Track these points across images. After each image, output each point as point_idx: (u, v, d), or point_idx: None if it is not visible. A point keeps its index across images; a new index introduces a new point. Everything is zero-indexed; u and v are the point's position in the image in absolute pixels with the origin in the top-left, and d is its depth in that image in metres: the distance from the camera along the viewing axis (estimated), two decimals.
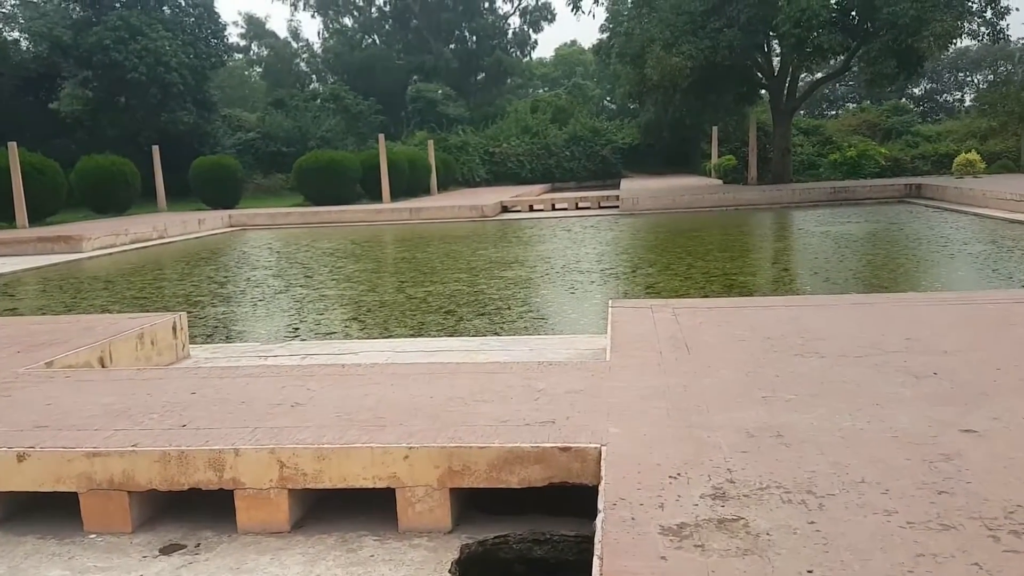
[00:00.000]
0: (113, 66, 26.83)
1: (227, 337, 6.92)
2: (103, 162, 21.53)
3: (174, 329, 5.66)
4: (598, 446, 2.81)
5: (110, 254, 14.91)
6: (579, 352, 5.58)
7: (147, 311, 8.24)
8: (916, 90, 61.75)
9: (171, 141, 28.52)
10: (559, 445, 2.83)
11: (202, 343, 6.58)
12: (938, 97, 63.23)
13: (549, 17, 49.82)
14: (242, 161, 32.38)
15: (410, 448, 2.85)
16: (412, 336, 6.72)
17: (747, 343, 4.27)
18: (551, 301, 8.17)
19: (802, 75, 24.45)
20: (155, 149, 23.62)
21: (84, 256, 14.49)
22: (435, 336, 6.65)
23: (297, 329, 7.22)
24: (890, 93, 60.03)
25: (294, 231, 19.15)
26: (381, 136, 23.44)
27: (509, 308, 7.81)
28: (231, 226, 20.56)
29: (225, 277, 11.02)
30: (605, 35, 30.51)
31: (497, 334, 6.68)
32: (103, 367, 4.94)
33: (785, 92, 23.04)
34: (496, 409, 3.26)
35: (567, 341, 5.96)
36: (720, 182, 26.40)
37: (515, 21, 50.77)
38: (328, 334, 6.91)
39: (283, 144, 32.85)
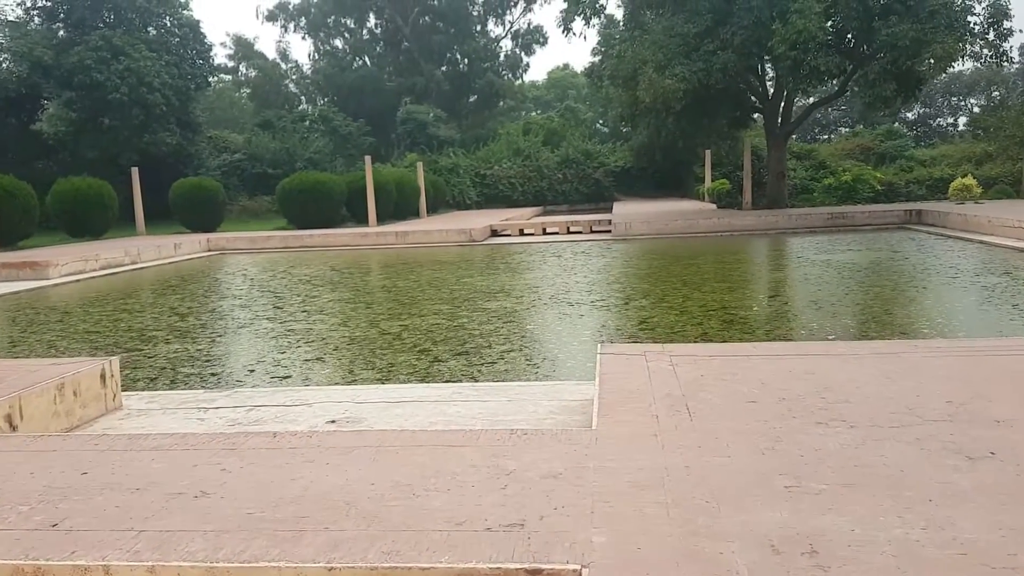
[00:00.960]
0: (94, 86, 26.24)
1: (172, 381, 6.23)
2: (80, 184, 20.86)
3: (103, 377, 4.97)
4: (578, 567, 2.14)
5: (77, 281, 14.21)
6: (564, 404, 4.92)
7: (92, 349, 7.55)
8: (909, 114, 61.76)
9: (153, 163, 27.92)
10: (527, 567, 2.16)
11: (144, 387, 5.90)
12: (931, 121, 63.23)
13: (541, 40, 49.56)
14: (227, 183, 31.79)
15: (330, 570, 2.18)
16: (379, 380, 6.05)
17: (759, 405, 3.61)
18: (536, 338, 7.51)
19: (796, 99, 23.98)
20: (134, 171, 22.97)
21: (50, 283, 13.78)
22: (403, 383, 5.98)
23: (253, 371, 6.53)
24: (883, 117, 60.01)
25: (274, 255, 18.48)
26: (367, 157, 22.84)
27: (490, 346, 7.15)
28: (209, 250, 19.88)
29: (189, 308, 10.33)
30: (597, 58, 30.15)
31: (474, 378, 6.02)
32: (11, 428, 4.26)
33: (780, 116, 22.58)
34: (451, 503, 2.59)
35: (551, 390, 5.30)
36: (714, 206, 25.87)
37: (507, 44, 50.56)
38: (284, 378, 6.22)
39: (269, 166, 32.24)
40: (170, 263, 17.35)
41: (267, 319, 9.14)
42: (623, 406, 3.71)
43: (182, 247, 18.77)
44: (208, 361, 7.01)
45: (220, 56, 51.92)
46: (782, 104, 22.49)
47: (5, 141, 27.55)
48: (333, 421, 4.90)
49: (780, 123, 22.50)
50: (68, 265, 14.78)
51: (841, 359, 4.44)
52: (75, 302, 11.44)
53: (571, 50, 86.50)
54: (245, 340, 7.93)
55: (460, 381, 5.94)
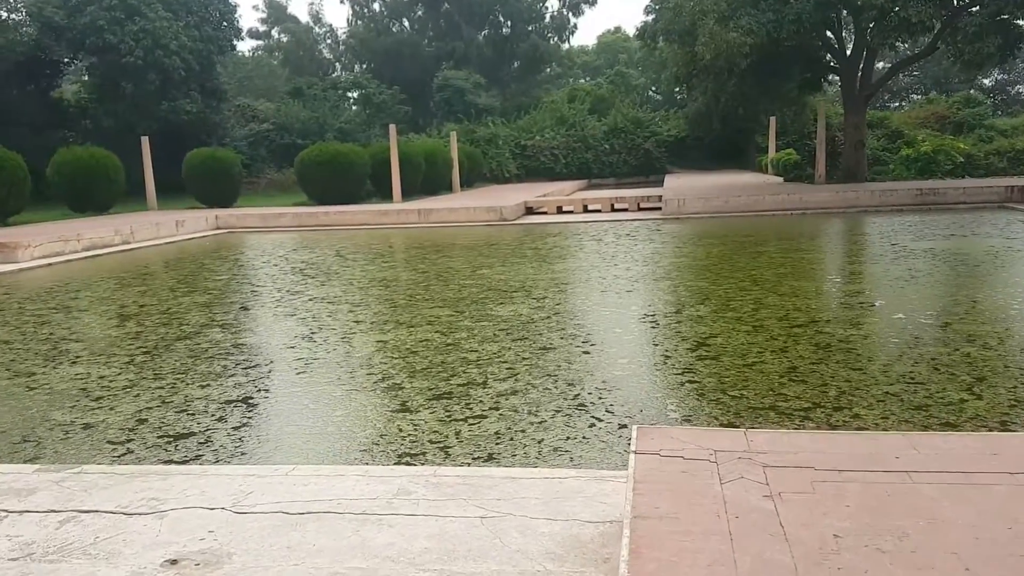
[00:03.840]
0: (108, 49, 24.57)
1: (24, 439, 4.29)
2: (82, 154, 19.25)
3: None
4: None
5: (49, 265, 12.51)
6: (571, 533, 2.83)
7: None
8: (986, 80, 57.37)
9: (173, 132, 26.29)
10: None
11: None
12: (1010, 88, 58.68)
13: (590, 0, 46.49)
14: (254, 154, 30.16)
15: None
16: (303, 451, 4.02)
17: None
18: (551, 370, 5.39)
19: (878, 58, 21.15)
20: (144, 140, 21.27)
21: (18, 267, 12.11)
22: (337, 454, 3.94)
23: (144, 421, 4.56)
24: (960, 84, 55.93)
25: (283, 236, 16.61)
26: (392, 127, 20.77)
27: (485, 383, 5.07)
28: (218, 228, 18.12)
29: (141, 307, 8.44)
30: (651, 17, 27.46)
31: (446, 450, 3.96)
32: None
33: (859, 76, 19.81)
34: None
35: (554, 494, 3.19)
36: (780, 180, 23.23)
37: (553, 4, 47.57)
38: (177, 437, 4.23)
39: (298, 136, 30.42)
40: (168, 243, 15.61)
41: (220, 327, 7.18)
42: None
43: (185, 225, 17.02)
44: (107, 393, 5.07)
45: (252, 20, 50.22)
46: (861, 63, 19.72)
47: (23, 108, 26.14)
48: (174, 561, 2.88)
49: (860, 85, 19.74)
50: (43, 247, 13.09)
51: None
52: (26, 295, 9.67)
53: (623, 11, 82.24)
54: (172, 360, 5.96)
55: (421, 458, 3.88)
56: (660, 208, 17.46)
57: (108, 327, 7.45)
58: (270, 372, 5.62)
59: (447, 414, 4.50)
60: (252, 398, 4.99)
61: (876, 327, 6.31)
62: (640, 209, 18.57)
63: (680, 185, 22.74)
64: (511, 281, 9.18)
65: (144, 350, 6.37)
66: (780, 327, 6.34)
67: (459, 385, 5.07)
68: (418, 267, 11.07)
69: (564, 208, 19.02)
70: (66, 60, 28.88)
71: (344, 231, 16.94)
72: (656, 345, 6.05)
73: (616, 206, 18.96)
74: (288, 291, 9.24)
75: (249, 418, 4.60)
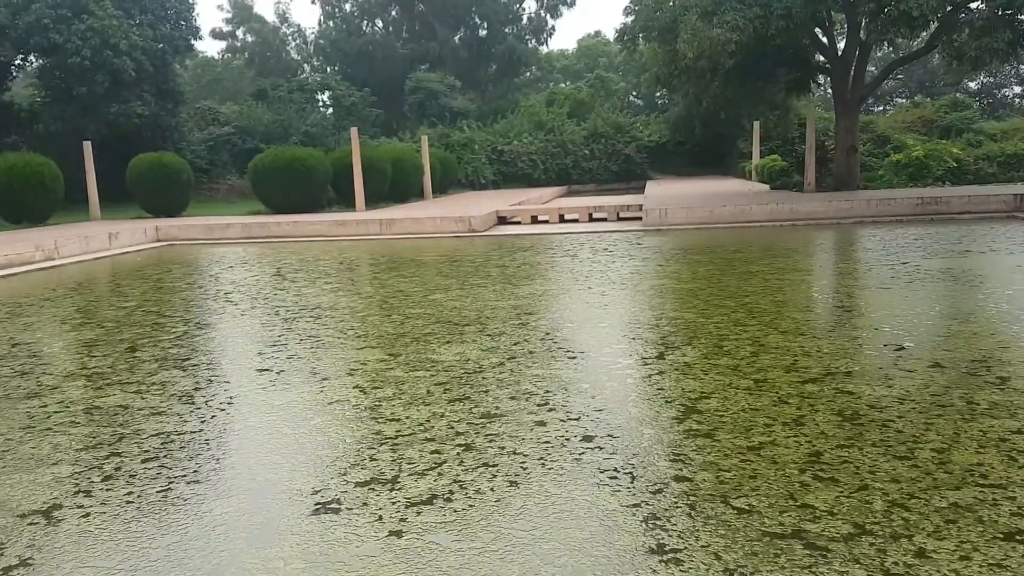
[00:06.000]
0: (53, 49, 22.94)
1: None
2: (16, 161, 17.68)
3: None
4: None
5: None
6: None
7: None
8: (972, 84, 56.72)
9: (124, 136, 24.67)
10: None
11: None
12: (996, 92, 58.08)
13: (569, 1, 45.07)
14: (214, 159, 28.60)
15: None
16: None
17: None
18: (488, 461, 3.98)
19: (873, 55, 19.95)
20: (86, 145, 19.67)
21: None
22: None
23: None
24: (945, 87, 55.12)
25: (227, 248, 15.12)
26: (354, 130, 19.31)
27: (394, 482, 3.66)
28: (158, 240, 16.59)
29: (13, 346, 6.96)
30: (630, 18, 26.19)
31: None
32: None
33: (852, 77, 18.58)
34: None
35: None
36: (766, 187, 21.98)
37: (531, 5, 46.20)
38: None
39: (261, 140, 28.85)
40: (96, 259, 14.07)
41: (86, 378, 5.72)
42: None
43: (119, 238, 15.48)
44: None
45: (216, 20, 48.52)
46: (854, 63, 18.50)
47: None
48: None
49: (852, 86, 18.51)
50: None
51: None
52: None
53: (604, 16, 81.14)
54: None
55: None
56: (641, 218, 16.13)
57: None
58: (107, 458, 4.16)
59: (324, 542, 3.08)
60: (61, 507, 3.54)
61: (912, 383, 4.94)
62: (620, 219, 17.25)
63: (662, 193, 21.45)
64: (465, 310, 7.77)
65: None
66: (789, 382, 4.97)
67: (357, 485, 3.64)
68: (364, 290, 9.64)
69: (539, 218, 17.66)
70: (16, 62, 27.19)
71: (296, 243, 15.47)
72: (632, 410, 4.64)
73: (594, 216, 17.62)
74: (196, 323, 7.78)
75: (38, 550, 3.15)
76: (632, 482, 3.61)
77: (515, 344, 6.29)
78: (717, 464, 3.76)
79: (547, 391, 5.02)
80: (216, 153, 28.51)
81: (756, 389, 4.87)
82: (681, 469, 3.71)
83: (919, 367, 5.28)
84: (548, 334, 6.64)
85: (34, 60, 25.37)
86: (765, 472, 3.65)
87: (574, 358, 5.85)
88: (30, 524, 3.37)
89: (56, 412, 4.93)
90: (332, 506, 3.42)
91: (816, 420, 4.29)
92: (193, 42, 27.44)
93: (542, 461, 3.86)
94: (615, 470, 3.73)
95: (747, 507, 3.26)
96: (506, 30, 43.28)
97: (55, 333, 7.55)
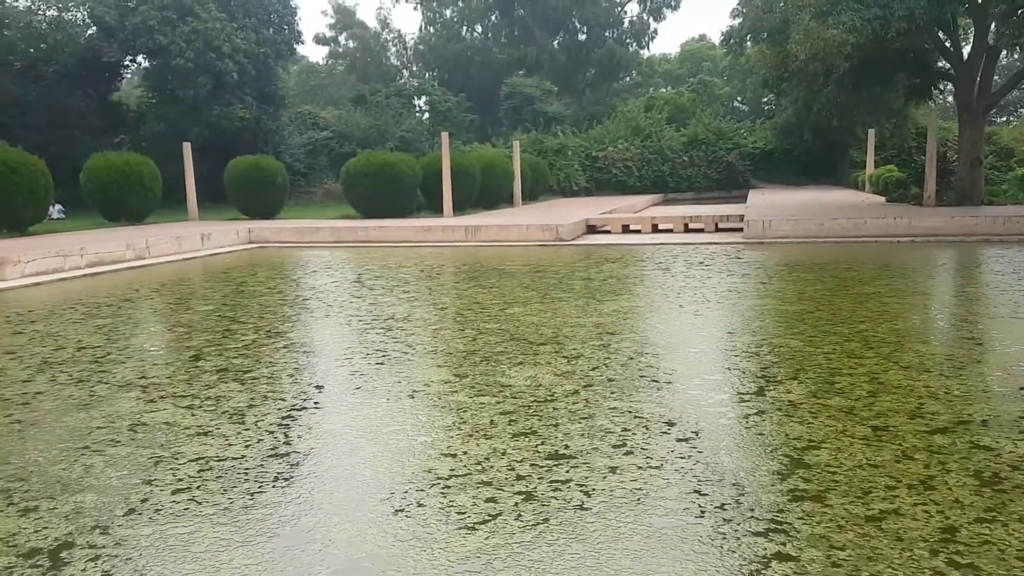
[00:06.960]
0: (159, 51, 23.68)
1: None
2: (116, 161, 18.19)
3: None
4: None
5: (38, 284, 11.18)
6: None
7: None
8: None
9: (225, 138, 25.26)
10: None
11: None
12: None
13: (673, 4, 43.90)
14: (313, 163, 29.05)
15: None
16: None
17: None
18: (548, 516, 3.41)
19: (1002, 60, 18.32)
20: (186, 147, 20.14)
21: (5, 286, 10.82)
22: None
23: None
24: None
25: (315, 252, 15.07)
26: (444, 135, 19.08)
27: (439, 539, 3.13)
28: (249, 242, 16.73)
29: (79, 350, 6.83)
30: (737, 20, 25.09)
31: None
32: None
33: (977, 84, 17.09)
34: None
35: None
36: (881, 199, 20.54)
37: (633, 9, 45.29)
38: None
39: (358, 144, 29.12)
40: (187, 260, 14.23)
41: (141, 388, 5.46)
42: None
43: (211, 239, 15.65)
44: None
45: (320, 25, 49.48)
46: (980, 68, 16.99)
47: (80, 111, 25.54)
48: None
49: (978, 93, 17.01)
50: (37, 263, 11.81)
51: None
52: None
53: (709, 20, 79.16)
54: (28, 450, 4.22)
55: None
56: (741, 229, 15.20)
57: None
58: (135, 487, 3.79)
59: None
60: (72, 545, 3.16)
61: None
62: (718, 230, 16.34)
63: (765, 202, 20.33)
64: (543, 327, 7.22)
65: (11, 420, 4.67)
66: (914, 432, 4.20)
67: (396, 540, 3.13)
68: (440, 300, 9.22)
69: (630, 227, 16.93)
70: (125, 63, 28.31)
71: (382, 248, 15.28)
72: (724, 460, 3.97)
73: (690, 226, 16.77)
74: (267, 331, 7.50)
75: None
76: (721, 558, 2.96)
77: (593, 369, 5.69)
78: (828, 539, 3.07)
79: (625, 428, 4.40)
80: (314, 157, 28.95)
81: (875, 439, 4.12)
82: (784, 544, 3.04)
83: None
84: (631, 359, 6.01)
85: (142, 61, 26.33)
86: (888, 552, 2.95)
87: (659, 389, 5.20)
88: (32, 567, 3.00)
89: (99, 428, 4.64)
90: (360, 567, 2.92)
91: (948, 483, 3.54)
92: (295, 46, 28.03)
93: (610, 523, 3.25)
94: (699, 540, 3.09)
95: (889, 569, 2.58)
96: (606, 34, 42.53)
97: (124, 337, 7.40)
